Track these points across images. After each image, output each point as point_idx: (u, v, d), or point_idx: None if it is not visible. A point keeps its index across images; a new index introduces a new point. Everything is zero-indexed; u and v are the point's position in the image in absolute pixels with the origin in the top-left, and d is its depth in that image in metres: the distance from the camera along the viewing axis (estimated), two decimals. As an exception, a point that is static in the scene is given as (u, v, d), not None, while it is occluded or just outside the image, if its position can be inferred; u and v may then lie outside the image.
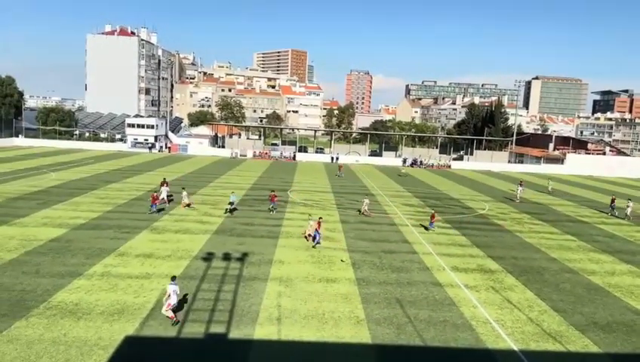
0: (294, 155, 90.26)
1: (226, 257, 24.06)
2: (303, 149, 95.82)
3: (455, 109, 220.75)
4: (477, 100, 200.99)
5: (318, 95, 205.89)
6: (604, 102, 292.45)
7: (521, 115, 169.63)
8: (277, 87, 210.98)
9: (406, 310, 18.68)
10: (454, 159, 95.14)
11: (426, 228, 33.18)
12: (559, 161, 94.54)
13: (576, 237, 33.74)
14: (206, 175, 57.50)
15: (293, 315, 17.61)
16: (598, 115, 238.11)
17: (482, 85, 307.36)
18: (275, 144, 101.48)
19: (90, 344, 14.67)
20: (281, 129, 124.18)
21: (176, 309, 16.68)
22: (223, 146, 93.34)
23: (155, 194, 35.07)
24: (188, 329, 16.11)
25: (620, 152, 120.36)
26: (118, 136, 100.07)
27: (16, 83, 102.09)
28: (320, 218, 28.16)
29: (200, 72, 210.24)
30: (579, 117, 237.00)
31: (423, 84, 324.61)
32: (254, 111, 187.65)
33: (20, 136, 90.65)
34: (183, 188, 38.06)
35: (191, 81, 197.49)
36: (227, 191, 38.47)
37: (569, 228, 36.53)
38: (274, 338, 15.84)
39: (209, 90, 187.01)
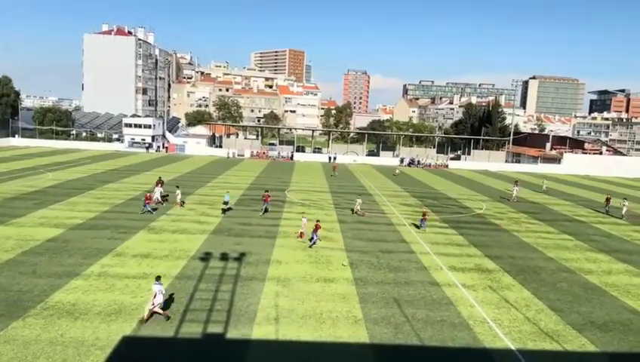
0: (292, 155, 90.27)
1: (224, 257, 24.05)
2: (300, 149, 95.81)
3: (452, 109, 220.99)
4: (474, 100, 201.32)
5: (315, 95, 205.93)
6: (601, 102, 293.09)
7: (518, 115, 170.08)
8: (274, 87, 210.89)
9: (403, 309, 18.70)
10: (452, 159, 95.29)
11: (418, 227, 33.28)
12: (556, 160, 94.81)
13: (573, 236, 33.83)
14: (203, 175, 57.44)
15: (290, 315, 17.62)
16: (595, 114, 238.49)
17: (479, 85, 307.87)
18: (273, 144, 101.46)
19: (87, 344, 14.64)
20: (279, 129, 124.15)
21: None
22: (221, 146, 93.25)
23: (149, 194, 34.90)
24: (185, 329, 16.09)
25: (616, 152, 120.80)
26: (115, 136, 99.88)
27: (13, 83, 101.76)
28: (318, 221, 28.05)
29: (197, 72, 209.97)
30: (576, 116, 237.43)
31: (421, 84, 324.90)
32: (252, 111, 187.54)
33: (16, 136, 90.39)
34: (177, 187, 38.11)
35: (188, 80, 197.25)
36: (225, 191, 38.38)
37: (566, 228, 36.62)
38: (271, 338, 15.84)
39: (206, 90, 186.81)
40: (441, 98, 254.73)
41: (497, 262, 26.19)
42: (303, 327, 16.69)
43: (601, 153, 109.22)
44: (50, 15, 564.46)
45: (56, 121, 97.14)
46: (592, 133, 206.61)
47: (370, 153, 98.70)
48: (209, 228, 30.17)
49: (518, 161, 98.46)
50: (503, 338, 16.70)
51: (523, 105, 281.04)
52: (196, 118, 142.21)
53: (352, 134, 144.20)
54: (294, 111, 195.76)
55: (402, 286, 21.33)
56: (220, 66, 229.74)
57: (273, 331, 16.26)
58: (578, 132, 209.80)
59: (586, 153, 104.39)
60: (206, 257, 23.89)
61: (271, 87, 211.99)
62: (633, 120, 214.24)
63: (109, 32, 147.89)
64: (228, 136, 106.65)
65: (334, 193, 48.18)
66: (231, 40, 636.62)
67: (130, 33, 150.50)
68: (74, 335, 15.18)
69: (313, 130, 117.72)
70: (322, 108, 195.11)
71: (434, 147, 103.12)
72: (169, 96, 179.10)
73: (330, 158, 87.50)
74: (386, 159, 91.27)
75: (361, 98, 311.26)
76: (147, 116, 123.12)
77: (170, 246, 25.49)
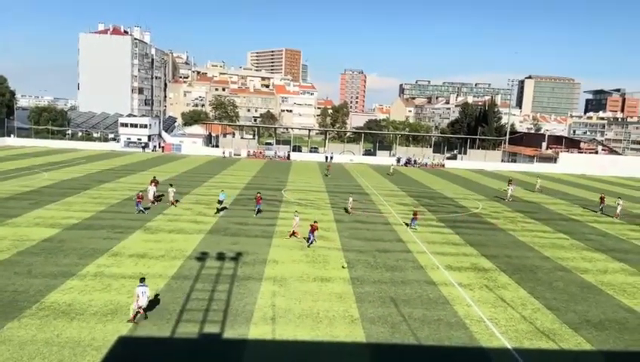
0: (288, 155, 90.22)
1: (220, 257, 24.01)
2: (297, 149, 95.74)
3: (449, 109, 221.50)
4: (470, 100, 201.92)
5: (312, 94, 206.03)
6: (597, 102, 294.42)
7: (514, 115, 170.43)
8: (271, 87, 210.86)
9: (400, 309, 18.72)
10: (448, 158, 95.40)
11: (408, 226, 33.36)
12: (552, 159, 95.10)
13: (569, 235, 33.94)
14: (200, 174, 57.35)
15: (287, 315, 17.60)
16: (591, 114, 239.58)
17: (476, 84, 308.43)
18: (269, 143, 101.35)
19: (83, 344, 14.59)
20: (275, 128, 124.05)
21: (145, 309, 16.64)
22: (217, 146, 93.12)
23: (141, 193, 34.62)
24: (182, 329, 16.06)
25: (612, 151, 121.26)
26: (111, 136, 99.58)
27: (8, 82, 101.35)
28: (315, 221, 27.97)
29: (193, 71, 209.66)
30: (571, 116, 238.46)
31: (417, 84, 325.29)
32: (248, 110, 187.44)
33: (11, 135, 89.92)
34: (171, 185, 38.12)
35: (184, 80, 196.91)
36: (220, 191, 38.32)
37: (562, 227, 36.74)
38: (268, 337, 15.83)
39: (202, 90, 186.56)
40: (437, 97, 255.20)
41: (494, 261, 26.24)
42: (299, 327, 16.68)
43: (596, 152, 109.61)
44: (45, 14, 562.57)
45: (52, 121, 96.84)
46: (588, 133, 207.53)
47: (367, 153, 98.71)
48: (205, 227, 30.12)
49: (515, 161, 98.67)
50: (500, 338, 16.74)
51: (519, 104, 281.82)
52: (192, 118, 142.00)
53: (348, 134, 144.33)
54: (291, 111, 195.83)
55: (399, 286, 21.35)
56: (216, 66, 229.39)
57: (270, 331, 16.24)
58: (574, 131, 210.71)
59: (581, 152, 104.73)
60: (202, 257, 23.85)
61: (267, 86, 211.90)
62: (628, 119, 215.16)
63: (104, 32, 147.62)
64: (224, 135, 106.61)
65: (331, 192, 48.18)
66: (227, 39, 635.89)
67: (126, 33, 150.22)
68: (70, 335, 15.12)
69: (310, 130, 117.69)
70: (319, 108, 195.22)
71: (430, 146, 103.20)
72: (165, 96, 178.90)
73: (326, 158, 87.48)
74: (383, 159, 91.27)
75: (357, 97, 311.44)
76: (143, 116, 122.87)
77: (167, 246, 25.43)
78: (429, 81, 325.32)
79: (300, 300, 19.08)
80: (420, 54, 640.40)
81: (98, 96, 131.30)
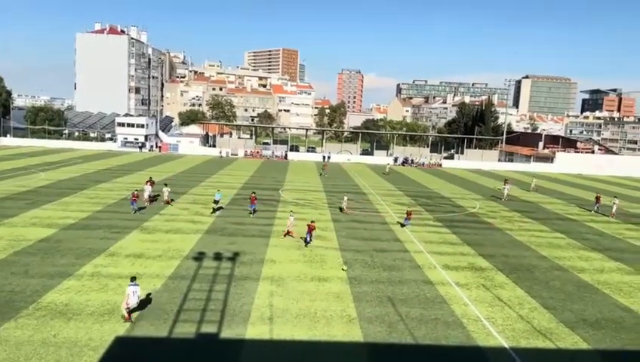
0: (286, 154, 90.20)
1: (218, 257, 23.99)
2: (294, 148, 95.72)
3: (446, 108, 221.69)
4: (467, 99, 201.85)
5: (309, 94, 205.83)
6: (593, 101, 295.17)
7: (511, 114, 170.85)
8: (268, 86, 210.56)
9: (397, 308, 18.75)
10: (445, 158, 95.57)
11: (402, 225, 33.41)
12: (549, 159, 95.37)
13: (566, 234, 34.04)
14: (197, 174, 57.28)
15: (284, 314, 17.61)
16: (587, 113, 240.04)
17: (472, 84, 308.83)
18: (267, 143, 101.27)
19: (80, 345, 14.57)
20: (273, 128, 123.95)
21: (135, 309, 16.65)
22: (214, 145, 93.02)
23: (136, 192, 34.44)
24: (179, 329, 16.05)
25: (608, 151, 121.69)
26: (107, 136, 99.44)
27: (5, 82, 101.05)
28: (312, 221, 27.83)
29: (190, 71, 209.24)
30: (568, 116, 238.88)
31: (414, 84, 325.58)
32: (245, 110, 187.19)
33: (8, 135, 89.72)
34: (166, 185, 38.15)
35: (181, 79, 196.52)
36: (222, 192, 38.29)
37: (558, 226, 36.84)
38: (266, 337, 15.83)
39: (200, 89, 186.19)
40: (434, 97, 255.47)
41: (491, 260, 26.30)
42: (297, 327, 16.68)
43: (593, 152, 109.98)
44: (41, 14, 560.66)
45: (49, 121, 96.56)
46: (584, 132, 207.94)
47: (364, 152, 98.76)
48: (203, 227, 30.09)
49: (511, 160, 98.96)
50: (497, 337, 16.78)
51: (516, 104, 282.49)
52: (189, 118, 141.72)
53: (346, 133, 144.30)
54: (288, 111, 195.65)
55: (396, 285, 21.38)
56: (213, 65, 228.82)
57: (267, 331, 16.24)
58: (570, 131, 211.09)
59: (578, 152, 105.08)
60: (200, 257, 23.83)
61: (265, 86, 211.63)
62: (625, 119, 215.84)
63: (101, 31, 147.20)
64: (222, 135, 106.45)
65: (328, 192, 48.18)
66: (224, 39, 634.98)
67: (122, 32, 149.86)
68: (67, 335, 15.09)
69: (307, 130, 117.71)
70: (316, 108, 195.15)
71: (427, 146, 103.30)
72: (162, 96, 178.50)
73: (324, 157, 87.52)
74: (380, 158, 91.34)
75: (354, 97, 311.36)
76: (140, 115, 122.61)
77: (164, 246, 25.40)
78: (426, 81, 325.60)
79: (297, 300, 19.08)
80: (417, 54, 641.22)
81: (95, 96, 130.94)
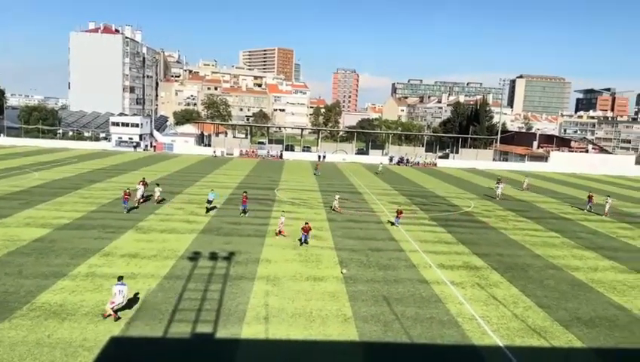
0: (281, 154, 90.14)
1: (213, 256, 23.95)
2: (289, 148, 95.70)
3: (441, 108, 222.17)
4: (462, 99, 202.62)
5: (304, 93, 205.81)
6: (587, 101, 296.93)
7: (505, 114, 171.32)
8: (263, 86, 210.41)
9: (393, 307, 18.78)
10: (440, 157, 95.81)
11: (392, 224, 33.48)
12: (543, 158, 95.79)
13: (560, 233, 34.21)
14: (192, 174, 57.14)
15: (280, 314, 17.60)
16: (581, 113, 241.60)
17: (467, 84, 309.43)
18: (262, 143, 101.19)
19: (74, 345, 14.51)
20: (268, 127, 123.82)
21: (122, 308, 16.64)
22: (209, 145, 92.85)
23: (128, 190, 34.15)
24: (174, 329, 16.01)
25: (602, 150, 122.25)
26: (102, 135, 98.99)
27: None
28: (307, 222, 27.55)
29: (185, 70, 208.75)
30: (562, 115, 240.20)
31: (409, 83, 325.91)
32: (241, 109, 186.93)
33: (1, 135, 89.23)
34: (158, 185, 38.16)
35: (176, 79, 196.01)
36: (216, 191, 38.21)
37: (553, 225, 37.01)
38: (261, 337, 15.82)
39: (194, 89, 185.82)
40: (429, 97, 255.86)
41: (485, 259, 26.39)
42: (292, 326, 16.68)
43: (587, 151, 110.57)
44: (35, 13, 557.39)
45: (43, 120, 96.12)
46: (579, 132, 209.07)
47: (360, 152, 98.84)
48: (198, 227, 30.03)
49: (506, 160, 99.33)
50: (492, 335, 16.84)
51: (510, 103, 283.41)
52: (184, 117, 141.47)
53: (341, 133, 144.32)
54: (283, 110, 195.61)
55: (391, 284, 21.41)
56: (208, 65, 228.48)
57: (263, 330, 16.24)
58: (565, 130, 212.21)
59: (572, 151, 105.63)
60: (195, 257, 23.78)
61: (260, 85, 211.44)
62: (618, 118, 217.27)
63: (95, 30, 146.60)
64: (217, 134, 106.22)
65: (324, 192, 48.18)
66: (219, 38, 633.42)
67: (117, 31, 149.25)
68: (61, 336, 15.03)
69: (302, 129, 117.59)
70: (311, 107, 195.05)
71: (423, 145, 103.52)
72: (157, 95, 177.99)
73: (319, 157, 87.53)
74: (376, 158, 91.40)
75: (350, 97, 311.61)
76: (135, 115, 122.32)
77: (159, 246, 25.33)
78: (421, 81, 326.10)
79: (292, 299, 19.08)
80: (412, 54, 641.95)
81: (89, 95, 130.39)
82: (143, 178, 40.63)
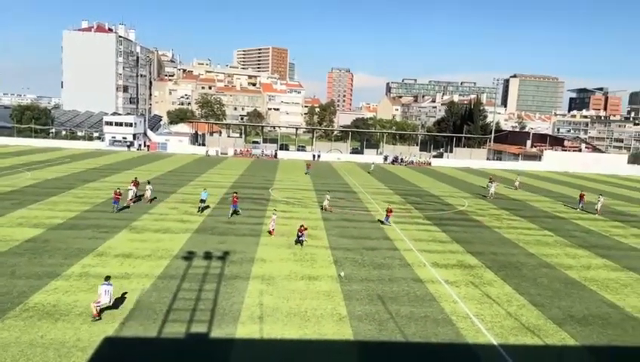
0: (276, 153, 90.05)
1: (207, 256, 23.89)
2: (284, 147, 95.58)
3: (435, 107, 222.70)
4: (456, 98, 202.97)
5: (299, 93, 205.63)
6: (580, 100, 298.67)
7: (499, 113, 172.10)
8: (258, 85, 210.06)
9: (387, 306, 18.81)
10: (434, 156, 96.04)
11: (382, 223, 33.54)
12: (537, 157, 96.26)
13: (554, 232, 34.38)
14: (186, 173, 56.97)
15: (275, 313, 17.59)
16: (574, 112, 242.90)
17: (461, 83, 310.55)
18: (257, 142, 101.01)
19: (68, 345, 14.43)
20: (262, 127, 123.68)
21: (109, 308, 16.63)
22: (204, 144, 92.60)
23: (118, 190, 33.91)
24: (168, 329, 15.96)
25: (595, 149, 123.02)
26: (95, 135, 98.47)
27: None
28: (302, 225, 27.32)
29: (179, 69, 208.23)
30: (555, 114, 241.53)
31: (404, 82, 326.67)
32: (235, 108, 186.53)
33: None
34: (149, 182, 38.02)
35: (170, 78, 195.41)
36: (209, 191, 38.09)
37: (546, 224, 37.19)
38: (256, 336, 15.80)
39: (188, 88, 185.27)
40: (423, 96, 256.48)
41: (479, 258, 26.49)
42: (287, 325, 16.67)
43: (580, 150, 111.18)
44: (28, 11, 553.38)
45: (35, 119, 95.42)
46: (572, 131, 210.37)
47: (354, 151, 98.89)
48: (192, 226, 29.94)
49: (500, 159, 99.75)
50: (486, 334, 16.90)
51: (504, 103, 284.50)
52: (178, 116, 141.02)
53: (335, 132, 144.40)
54: (278, 110, 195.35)
55: (386, 283, 21.45)
56: (202, 64, 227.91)
57: (257, 330, 16.21)
58: (558, 129, 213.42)
59: (565, 150, 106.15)
60: (189, 256, 23.70)
61: (254, 84, 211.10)
62: (611, 118, 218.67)
63: (88, 29, 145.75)
64: (211, 134, 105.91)
65: (318, 191, 48.15)
66: (213, 37, 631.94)
67: (110, 30, 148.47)
68: (54, 336, 14.94)
69: (297, 128, 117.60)
70: (306, 106, 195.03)
71: (417, 145, 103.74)
72: (150, 94, 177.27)
73: (314, 156, 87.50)
74: (370, 157, 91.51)
75: (344, 96, 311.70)
76: (128, 114, 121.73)
77: (153, 246, 25.23)
78: (415, 80, 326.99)
79: (287, 299, 19.07)
80: (406, 53, 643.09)
81: (82, 95, 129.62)
82: (135, 178, 40.44)
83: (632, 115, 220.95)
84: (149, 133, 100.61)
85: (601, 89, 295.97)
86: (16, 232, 26.32)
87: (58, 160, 63.61)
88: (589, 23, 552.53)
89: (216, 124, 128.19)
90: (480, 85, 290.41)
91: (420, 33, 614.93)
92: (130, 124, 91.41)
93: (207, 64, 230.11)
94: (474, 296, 20.59)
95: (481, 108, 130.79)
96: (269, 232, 28.66)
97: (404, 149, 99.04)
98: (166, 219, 31.56)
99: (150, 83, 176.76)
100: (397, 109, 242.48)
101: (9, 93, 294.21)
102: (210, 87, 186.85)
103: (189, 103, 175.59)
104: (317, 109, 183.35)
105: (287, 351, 15.13)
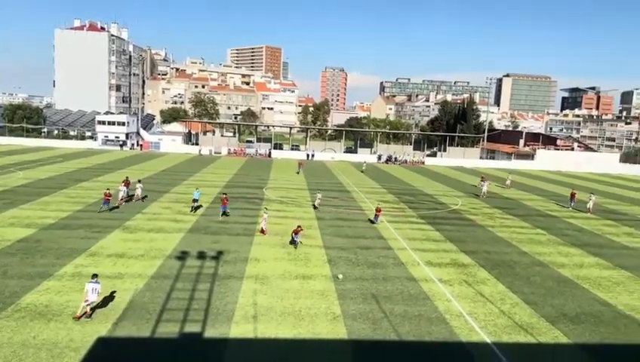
0: (269, 152, 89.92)
1: (201, 256, 23.82)
2: (278, 146, 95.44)
3: (428, 106, 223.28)
4: (449, 97, 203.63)
5: (293, 92, 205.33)
6: (572, 100, 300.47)
7: (492, 112, 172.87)
8: (251, 84, 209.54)
9: (381, 305, 18.84)
10: (428, 155, 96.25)
11: (372, 222, 33.59)
12: (529, 156, 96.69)
13: (546, 231, 34.57)
14: (179, 173, 56.76)
15: (269, 313, 17.57)
16: (567, 111, 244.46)
17: (455, 82, 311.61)
18: (250, 141, 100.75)
19: (61, 346, 14.35)
20: (256, 126, 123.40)
21: (97, 306, 16.65)
22: (197, 144, 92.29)
23: (108, 191, 33.65)
24: (162, 329, 15.90)
25: (587, 148, 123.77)
26: (88, 134, 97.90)
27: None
28: (298, 226, 27.21)
29: (172, 68, 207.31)
30: (548, 113, 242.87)
31: (397, 82, 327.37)
32: (228, 108, 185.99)
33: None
34: (139, 181, 37.92)
35: (163, 77, 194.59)
36: (201, 190, 37.96)
37: (539, 223, 37.39)
38: (250, 336, 15.77)
39: (182, 87, 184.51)
40: (417, 95, 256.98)
41: (473, 256, 26.59)
42: (281, 325, 16.66)
43: (572, 149, 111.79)
44: (19, 10, 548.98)
45: (27, 119, 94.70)
46: (564, 130, 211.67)
47: (348, 150, 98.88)
48: (186, 226, 29.84)
49: (493, 158, 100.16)
50: (479, 332, 16.97)
51: (497, 102, 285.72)
52: (171, 115, 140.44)
53: (329, 131, 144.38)
54: (272, 109, 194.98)
55: (380, 282, 21.48)
56: (195, 63, 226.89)
57: (251, 329, 16.19)
58: (550, 129, 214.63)
59: (558, 149, 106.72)
60: (183, 256, 23.63)
61: (248, 83, 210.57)
62: (603, 117, 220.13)
63: (81, 28, 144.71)
64: (204, 133, 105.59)
65: (312, 190, 48.10)
66: (206, 36, 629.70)
67: (103, 29, 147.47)
68: (47, 337, 14.85)
69: (291, 128, 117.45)
70: (300, 106, 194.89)
71: (410, 144, 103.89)
72: (143, 93, 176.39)
73: (308, 155, 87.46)
74: (364, 156, 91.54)
75: (338, 95, 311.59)
76: (121, 113, 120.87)
77: (146, 246, 25.13)
78: (409, 79, 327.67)
79: (281, 298, 19.06)
80: (400, 53, 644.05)
81: (75, 94, 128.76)
82: (126, 177, 40.18)
83: (624, 114, 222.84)
84: (142, 132, 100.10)
85: (593, 88, 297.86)
86: (7, 232, 26.12)
87: (50, 159, 63.19)
88: (582, 23, 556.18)
89: (209, 123, 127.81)
90: (473, 84, 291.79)
91: (413, 33, 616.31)
92: (123, 123, 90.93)
93: (200, 63, 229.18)
94: (467, 294, 20.67)
95: (474, 107, 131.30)
96: (261, 231, 28.63)
97: (397, 148, 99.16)
98: (159, 219, 31.44)
99: (143, 82, 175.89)
100: (391, 109, 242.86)
101: (0, 92, 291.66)
102: (203, 86, 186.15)
103: (182, 102, 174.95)
104: (311, 108, 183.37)
105: (282, 351, 15.12)
